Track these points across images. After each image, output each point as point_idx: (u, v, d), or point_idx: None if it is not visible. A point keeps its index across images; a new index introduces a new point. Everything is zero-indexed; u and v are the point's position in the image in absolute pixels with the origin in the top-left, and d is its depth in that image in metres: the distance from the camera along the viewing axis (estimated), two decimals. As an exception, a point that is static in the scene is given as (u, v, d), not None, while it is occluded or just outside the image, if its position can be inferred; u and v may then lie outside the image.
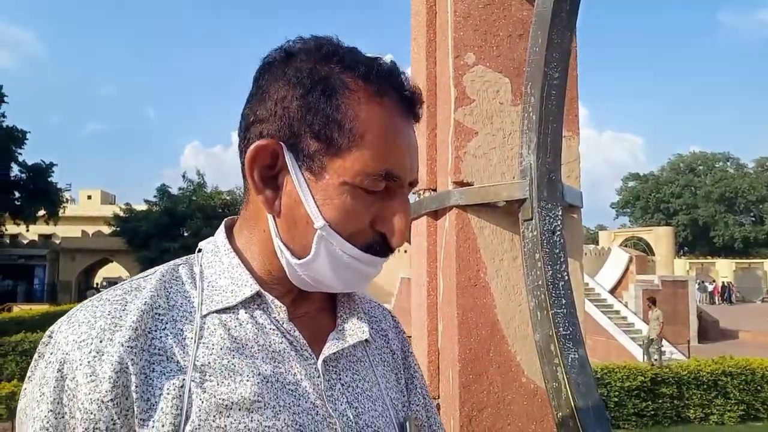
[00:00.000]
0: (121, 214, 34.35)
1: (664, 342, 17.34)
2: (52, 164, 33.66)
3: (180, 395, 0.61)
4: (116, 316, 0.64)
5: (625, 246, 35.78)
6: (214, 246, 0.75)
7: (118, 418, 0.60)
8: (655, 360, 13.76)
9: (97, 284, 38.90)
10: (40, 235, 39.29)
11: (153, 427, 0.60)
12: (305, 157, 0.68)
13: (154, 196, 34.77)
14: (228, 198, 34.63)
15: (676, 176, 60.44)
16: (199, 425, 0.60)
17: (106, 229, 36.00)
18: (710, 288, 38.69)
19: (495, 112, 1.52)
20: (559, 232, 1.33)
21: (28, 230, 35.59)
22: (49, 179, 33.58)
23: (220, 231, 0.76)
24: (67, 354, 0.62)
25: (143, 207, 34.69)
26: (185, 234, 32.30)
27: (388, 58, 0.71)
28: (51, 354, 0.63)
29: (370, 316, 0.84)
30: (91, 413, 0.59)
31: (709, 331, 21.13)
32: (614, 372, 8.83)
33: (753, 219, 57.05)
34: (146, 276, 0.71)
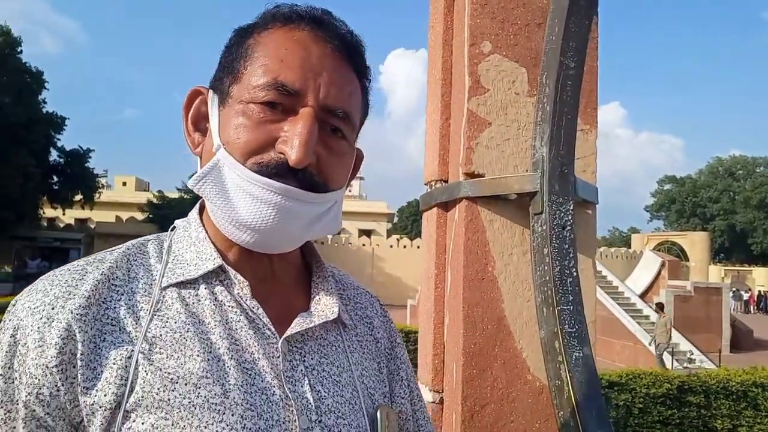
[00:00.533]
0: (154, 200, 35.07)
1: (694, 350, 16.92)
2: (89, 150, 34.53)
3: (126, 366, 0.60)
4: (72, 285, 0.64)
5: (659, 250, 35.01)
6: (186, 222, 0.75)
7: (62, 385, 0.59)
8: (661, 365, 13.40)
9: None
10: (76, 220, 40.41)
11: (95, 395, 0.59)
12: (222, 94, 0.70)
13: (186, 184, 35.39)
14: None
15: (715, 180, 58.79)
16: (142, 396, 0.59)
17: (140, 216, 36.75)
18: (746, 296, 37.59)
19: (510, 102, 1.48)
20: (569, 227, 1.29)
21: (64, 214, 36.68)
22: (86, 165, 34.48)
23: (196, 206, 0.76)
24: (21, 320, 0.62)
25: (175, 194, 35.34)
26: (216, 222, 32.78)
27: (319, 7, 0.72)
28: (9, 321, 0.63)
29: (354, 302, 0.83)
30: (36, 378, 0.59)
31: (742, 340, 20.52)
32: (640, 378, 8.63)
33: (794, 227, 55.11)
34: (113, 249, 0.71)
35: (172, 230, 0.76)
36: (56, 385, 0.59)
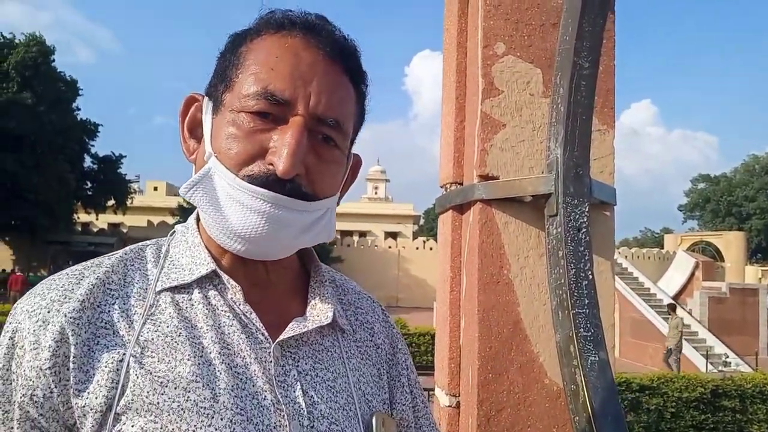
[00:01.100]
0: (185, 205, 35.65)
1: (729, 353, 16.46)
2: (121, 156, 35.38)
3: (118, 369, 0.61)
4: (68, 289, 0.65)
5: (693, 251, 34.18)
6: (185, 227, 0.76)
7: (56, 387, 0.61)
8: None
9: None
10: (109, 224, 41.35)
11: (87, 398, 0.60)
12: (215, 101, 0.71)
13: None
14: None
15: (751, 178, 57.12)
16: (132, 399, 0.60)
17: (171, 220, 37.43)
18: (784, 298, 36.37)
19: (525, 103, 1.47)
20: (584, 230, 1.27)
21: (97, 219, 37.59)
22: (118, 170, 35.32)
23: (195, 211, 0.76)
24: (19, 323, 0.64)
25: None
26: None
27: (312, 12, 0.72)
28: (9, 324, 0.65)
29: (355, 307, 0.82)
30: (30, 380, 0.61)
31: (780, 343, 19.88)
32: (672, 382, 8.44)
33: (835, 226, 53.24)
34: (111, 254, 0.73)
35: (171, 235, 0.77)
36: (49, 387, 0.61)
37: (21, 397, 0.61)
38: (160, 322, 0.65)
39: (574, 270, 1.23)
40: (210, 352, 0.65)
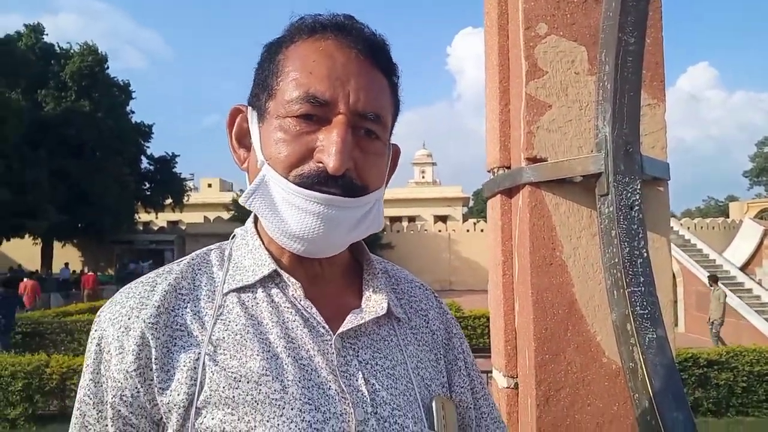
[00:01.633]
0: (238, 200, 36.54)
1: (804, 323, 15.65)
2: (175, 155, 36.57)
3: (195, 367, 0.67)
4: (144, 297, 0.71)
5: (761, 218, 32.51)
6: (244, 231, 0.81)
7: (141, 387, 0.66)
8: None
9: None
10: (168, 222, 42.89)
11: (170, 395, 0.66)
12: (259, 110, 0.74)
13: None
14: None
15: (822, 138, 53.67)
16: (210, 395, 0.65)
17: (226, 215, 38.47)
18: None
19: (570, 83, 1.45)
20: (637, 207, 1.26)
21: (157, 217, 39.07)
22: (173, 170, 36.56)
23: (251, 215, 0.81)
24: (104, 330, 0.70)
25: (257, 192, 36.63)
26: (296, 216, 33.74)
27: (341, 14, 0.74)
28: (95, 331, 0.72)
29: (409, 296, 0.85)
30: (119, 382, 0.67)
31: None
32: (741, 355, 8.13)
33: None
34: (180, 261, 0.78)
35: (232, 239, 0.82)
36: (136, 388, 0.67)
37: (112, 398, 0.67)
38: (229, 321, 0.71)
39: (627, 249, 1.22)
40: (276, 347, 0.69)
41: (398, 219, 40.98)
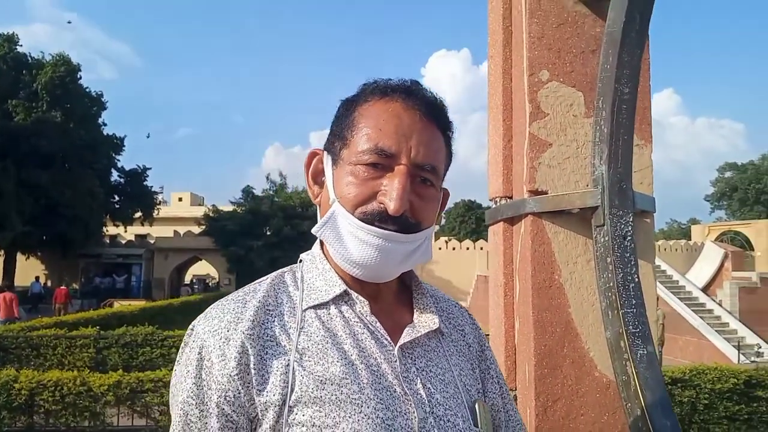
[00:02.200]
0: (210, 214, 36.23)
1: (762, 343, 16.25)
2: (146, 168, 36.11)
3: (286, 372, 0.79)
4: (239, 312, 0.83)
5: (721, 241, 33.64)
6: (312, 256, 0.95)
7: (242, 389, 0.78)
8: None
9: (191, 281, 41.14)
10: (136, 236, 42.13)
11: (266, 396, 0.78)
12: (334, 156, 0.89)
13: (239, 198, 36.43)
14: (306, 197, 35.63)
15: (779, 165, 55.98)
16: (301, 395, 0.78)
17: (196, 229, 38.03)
18: (818, 286, 35.61)
19: (569, 124, 1.62)
20: (629, 237, 1.42)
21: (126, 231, 38.32)
22: (144, 183, 36.05)
23: (317, 243, 0.95)
24: (204, 341, 0.82)
25: (229, 207, 36.43)
26: (268, 233, 33.62)
27: (407, 79, 0.90)
28: (193, 342, 0.84)
29: (447, 313, 0.99)
30: (222, 385, 0.79)
31: (815, 333, 19.54)
32: (704, 374, 8.44)
33: None
34: (260, 281, 0.91)
35: (300, 263, 0.95)
36: (238, 389, 0.78)
37: (217, 398, 0.79)
38: (311, 333, 0.83)
39: (621, 274, 1.38)
40: (351, 355, 0.82)
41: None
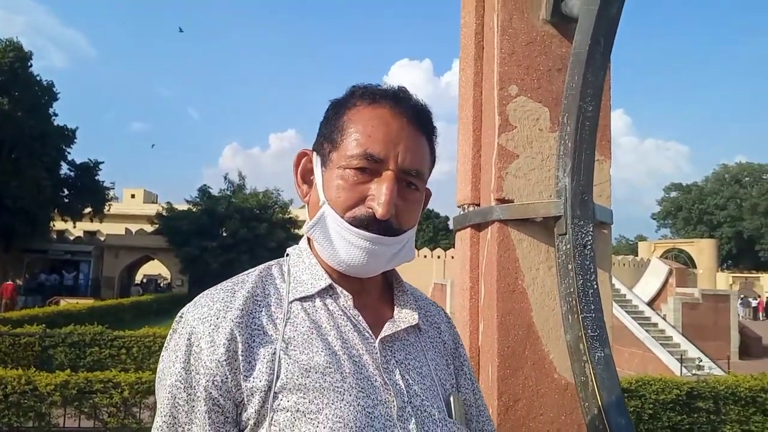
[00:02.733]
0: (163, 213, 35.40)
1: (702, 357, 16.98)
2: (98, 163, 34.98)
3: (272, 360, 0.82)
4: (228, 301, 0.87)
5: (666, 258, 35.01)
6: (299, 250, 0.99)
7: (230, 374, 0.81)
8: None
9: (141, 281, 40.01)
10: (85, 232, 40.78)
11: (253, 381, 0.81)
12: (323, 157, 0.93)
13: (195, 196, 35.74)
14: (264, 200, 35.24)
15: (721, 187, 58.74)
16: (286, 382, 0.81)
17: (149, 228, 37.08)
18: (754, 303, 37.49)
19: (535, 137, 1.71)
20: (590, 246, 1.51)
21: (74, 227, 37.04)
22: (95, 178, 34.89)
23: (304, 239, 0.99)
24: (193, 328, 0.85)
25: (184, 206, 35.69)
26: (224, 234, 33.08)
27: (395, 85, 0.95)
28: (182, 328, 0.86)
29: (425, 311, 1.04)
30: (211, 369, 0.82)
31: (751, 347, 20.56)
32: (649, 384, 8.78)
33: (801, 233, 54.89)
34: (249, 273, 0.94)
35: (287, 256, 0.99)
36: (226, 375, 0.81)
37: (206, 382, 0.81)
38: (297, 324, 0.87)
39: (581, 280, 1.46)
40: (334, 346, 0.86)
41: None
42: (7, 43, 29.53)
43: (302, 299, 0.90)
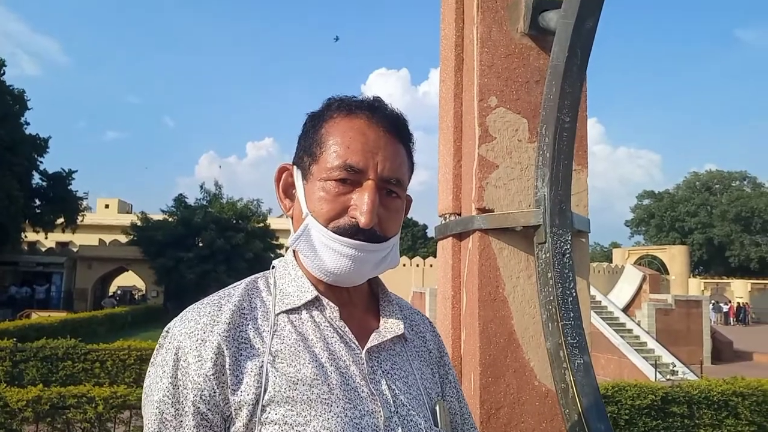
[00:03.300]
0: (138, 223, 34.82)
1: (676, 362, 17.27)
2: (71, 172, 34.32)
3: (260, 373, 0.83)
4: (214, 315, 0.87)
5: (639, 264, 35.61)
6: (284, 263, 0.99)
7: (217, 388, 0.81)
8: None
9: (115, 293, 39.24)
10: (57, 243, 39.91)
11: (240, 395, 0.81)
12: (304, 170, 0.94)
13: (171, 206, 35.25)
14: (243, 209, 34.93)
15: (692, 195, 60.09)
16: (274, 395, 0.81)
17: (123, 238, 36.44)
18: (725, 308, 38.32)
19: (514, 148, 1.74)
20: (568, 255, 1.53)
21: (46, 237, 36.21)
22: (68, 187, 34.23)
23: (289, 251, 1.00)
24: (180, 342, 0.84)
25: (159, 216, 35.16)
26: (200, 244, 32.66)
27: (370, 96, 0.96)
28: (169, 343, 0.86)
29: (411, 320, 1.05)
30: (199, 384, 0.81)
31: (722, 352, 21.00)
32: (625, 390, 8.89)
33: (769, 239, 56.37)
34: (235, 286, 0.94)
35: (272, 269, 0.99)
36: (213, 389, 0.81)
37: (193, 397, 0.81)
38: (283, 337, 0.87)
39: (561, 289, 1.49)
40: (321, 358, 0.87)
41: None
42: (-23, 50, 28.89)
43: (289, 311, 0.90)
